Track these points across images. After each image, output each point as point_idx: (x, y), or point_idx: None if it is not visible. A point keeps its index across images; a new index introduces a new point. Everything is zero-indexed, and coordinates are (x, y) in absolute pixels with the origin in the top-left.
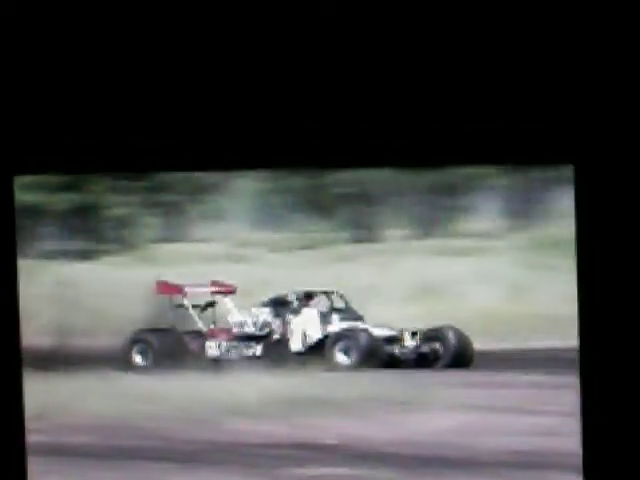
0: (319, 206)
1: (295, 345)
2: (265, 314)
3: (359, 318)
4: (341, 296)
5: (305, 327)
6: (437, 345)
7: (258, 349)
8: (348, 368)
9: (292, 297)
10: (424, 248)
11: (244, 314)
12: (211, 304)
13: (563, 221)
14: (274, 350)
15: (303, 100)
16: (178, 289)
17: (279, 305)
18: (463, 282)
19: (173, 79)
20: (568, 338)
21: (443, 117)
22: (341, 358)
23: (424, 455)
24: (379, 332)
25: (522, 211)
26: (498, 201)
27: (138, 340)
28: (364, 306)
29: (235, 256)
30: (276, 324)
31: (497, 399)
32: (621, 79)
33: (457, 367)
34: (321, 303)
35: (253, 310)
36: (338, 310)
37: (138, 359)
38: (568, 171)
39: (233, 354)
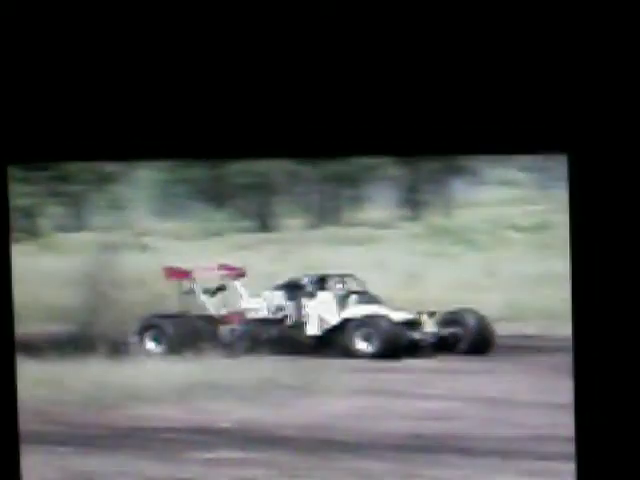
0: (220, 196)
1: (311, 329)
2: (278, 298)
3: (376, 301)
4: (357, 279)
5: (321, 311)
6: (457, 329)
7: (272, 332)
8: (370, 356)
9: (306, 280)
10: (322, 237)
11: (256, 298)
12: (221, 288)
13: (456, 210)
14: (289, 334)
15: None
16: (186, 274)
17: (293, 288)
18: (359, 269)
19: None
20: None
21: (438, 109)
22: (362, 345)
23: (319, 438)
24: (398, 316)
25: (416, 201)
26: (393, 191)
27: (150, 326)
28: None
29: (138, 245)
30: (290, 308)
31: (391, 383)
32: (614, 70)
33: (478, 351)
34: (337, 286)
35: (266, 294)
36: (354, 293)
37: (151, 345)
38: (462, 161)
39: (247, 339)
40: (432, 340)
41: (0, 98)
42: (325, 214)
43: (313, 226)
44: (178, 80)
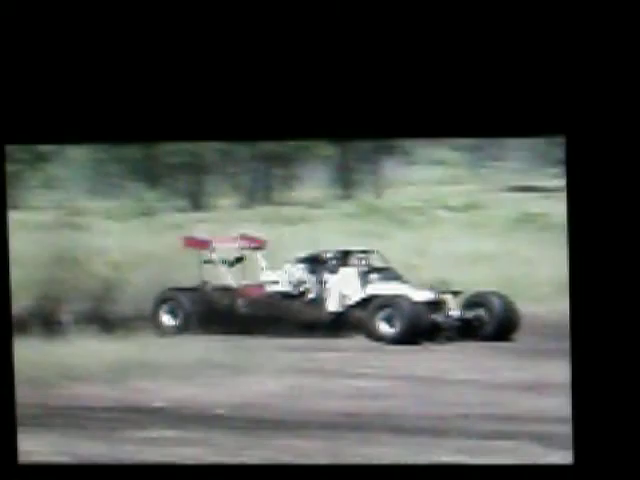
0: (153, 175)
1: (332, 305)
2: (300, 272)
3: (398, 278)
4: (380, 255)
5: (343, 287)
6: (481, 311)
7: (290, 306)
8: (392, 339)
9: (329, 255)
10: (254, 216)
11: (277, 271)
12: (240, 259)
13: (388, 190)
14: (309, 309)
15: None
16: (205, 243)
17: (315, 263)
18: (292, 248)
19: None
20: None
21: (445, 92)
22: (384, 328)
23: (253, 417)
24: (421, 296)
25: (348, 180)
26: (326, 171)
27: (166, 299)
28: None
29: (71, 224)
30: (311, 282)
31: (324, 362)
32: (610, 53)
33: (503, 335)
34: (360, 262)
35: (286, 267)
36: (377, 270)
37: (167, 319)
38: (394, 141)
39: (262, 311)
40: (456, 323)
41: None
42: (257, 193)
43: (245, 205)
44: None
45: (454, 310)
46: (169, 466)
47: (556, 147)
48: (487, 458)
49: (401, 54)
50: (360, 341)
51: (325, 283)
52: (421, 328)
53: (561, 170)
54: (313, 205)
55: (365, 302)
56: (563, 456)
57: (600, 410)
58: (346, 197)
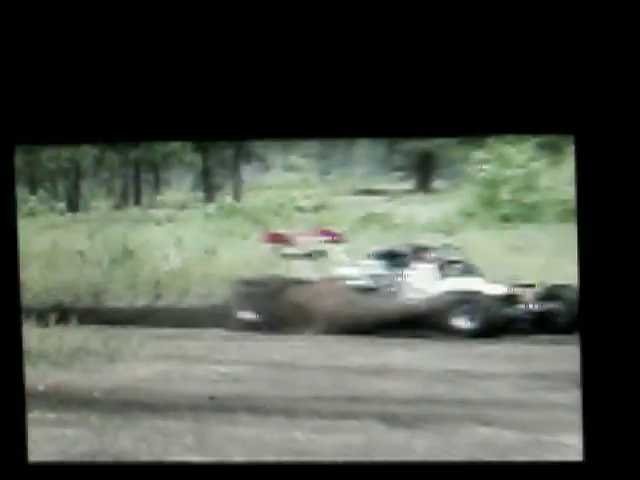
0: (33, 179)
1: (410, 297)
2: (377, 266)
3: (474, 271)
4: (456, 249)
5: (420, 281)
6: (555, 304)
7: (370, 299)
8: (469, 333)
9: (406, 250)
10: (125, 217)
11: (356, 266)
12: (321, 253)
13: (246, 192)
14: (384, 301)
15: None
16: (288, 238)
17: (392, 258)
18: (162, 247)
19: None
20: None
21: (453, 91)
22: (460, 323)
23: (125, 400)
24: (496, 290)
25: (210, 184)
26: (191, 176)
27: (245, 295)
28: None
29: None
30: (389, 277)
31: (190, 350)
32: (619, 51)
33: (573, 330)
34: (437, 256)
35: (364, 262)
36: (453, 263)
37: (246, 315)
38: (252, 148)
39: (340, 305)
40: (530, 317)
41: (9, 79)
42: (128, 196)
43: (117, 207)
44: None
45: (529, 303)
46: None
47: (398, 154)
48: (336, 436)
49: (402, 54)
50: (221, 332)
51: (403, 277)
52: (497, 323)
53: (404, 174)
54: (178, 207)
55: (441, 297)
56: (409, 435)
57: (610, 406)
58: (208, 199)
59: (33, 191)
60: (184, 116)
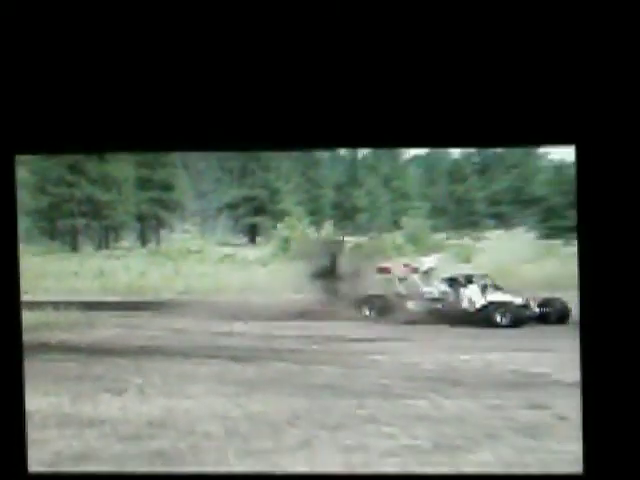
0: None
1: (464, 306)
2: (444, 286)
3: (501, 289)
4: (487, 276)
5: (471, 295)
6: (549, 309)
7: (439, 306)
8: (504, 326)
9: (461, 277)
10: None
11: (430, 287)
12: (404, 279)
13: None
14: (449, 308)
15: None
16: (388, 270)
17: (453, 281)
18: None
19: None
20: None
21: (449, 100)
22: (498, 319)
23: None
24: (517, 300)
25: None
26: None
27: (366, 301)
28: None
29: None
30: (451, 293)
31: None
32: (621, 62)
33: (561, 322)
34: (479, 281)
35: (435, 284)
36: (488, 285)
37: (367, 312)
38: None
39: (424, 309)
40: (535, 316)
41: (9, 87)
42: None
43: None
44: None
45: (534, 308)
46: None
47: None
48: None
49: (402, 63)
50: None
51: (460, 293)
52: (520, 320)
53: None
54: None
55: (486, 305)
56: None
57: (610, 412)
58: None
59: None
60: (185, 126)
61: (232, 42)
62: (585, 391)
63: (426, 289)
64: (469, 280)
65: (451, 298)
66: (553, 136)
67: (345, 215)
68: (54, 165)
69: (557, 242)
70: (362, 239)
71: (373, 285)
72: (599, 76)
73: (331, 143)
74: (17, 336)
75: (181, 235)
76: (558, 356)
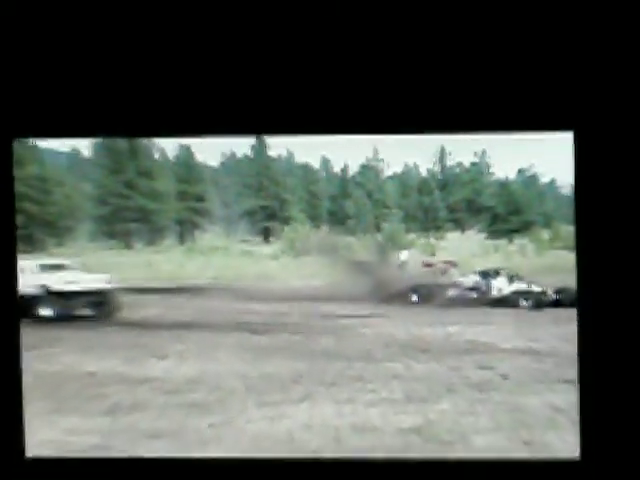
0: None
1: (494, 294)
2: (477, 278)
3: (522, 279)
4: (512, 270)
5: (499, 285)
6: (563, 295)
7: (474, 295)
8: (528, 308)
9: (491, 271)
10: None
11: (465, 278)
12: (445, 271)
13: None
14: (482, 296)
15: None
16: (432, 264)
17: (485, 274)
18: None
19: None
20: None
21: (449, 87)
22: (523, 303)
23: None
24: (538, 288)
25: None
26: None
27: (414, 289)
28: None
29: None
30: (483, 283)
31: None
32: (619, 48)
33: (570, 307)
34: (505, 273)
35: (471, 276)
36: (514, 276)
37: (415, 298)
38: None
39: (461, 296)
40: (552, 300)
41: (6, 71)
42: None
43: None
44: None
45: (551, 295)
46: None
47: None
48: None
49: (399, 49)
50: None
51: (491, 284)
52: (540, 304)
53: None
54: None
55: (512, 293)
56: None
57: (608, 408)
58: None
59: None
60: (182, 112)
61: (228, 31)
62: (582, 380)
63: (464, 279)
64: (497, 272)
65: (483, 287)
66: (551, 122)
67: (338, 221)
68: (113, 182)
69: (502, 241)
70: (351, 238)
71: (419, 276)
72: (597, 62)
73: (332, 129)
74: (14, 329)
75: (211, 235)
76: (498, 329)
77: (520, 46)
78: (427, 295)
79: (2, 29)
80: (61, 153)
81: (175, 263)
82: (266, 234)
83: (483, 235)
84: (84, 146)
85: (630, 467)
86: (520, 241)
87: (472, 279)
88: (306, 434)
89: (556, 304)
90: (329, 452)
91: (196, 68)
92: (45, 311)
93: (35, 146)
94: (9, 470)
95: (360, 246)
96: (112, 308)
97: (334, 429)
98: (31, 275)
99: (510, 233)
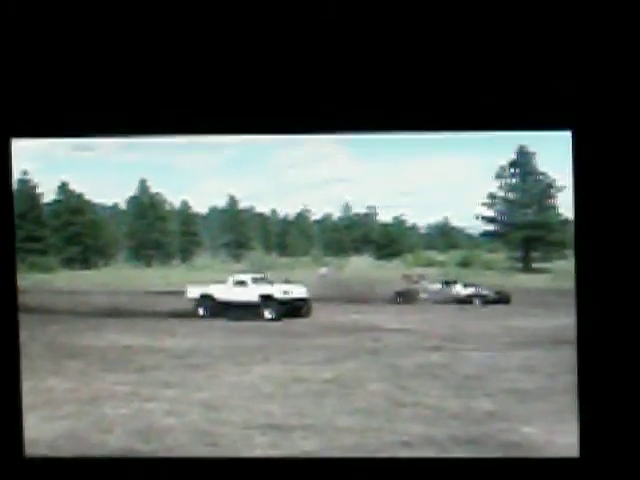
0: None
1: (455, 295)
2: (438, 285)
3: (473, 285)
4: (465, 279)
5: (458, 290)
6: (501, 296)
7: (441, 297)
8: (480, 306)
9: (451, 280)
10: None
11: (433, 285)
12: (417, 281)
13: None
14: (446, 297)
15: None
16: (409, 276)
17: (447, 282)
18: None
19: None
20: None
21: (456, 86)
22: (476, 301)
23: None
24: (484, 291)
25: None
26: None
27: (399, 294)
28: None
29: None
30: (446, 289)
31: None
32: (617, 47)
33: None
34: (454, 282)
35: (437, 284)
36: (467, 284)
37: (399, 300)
38: None
39: (431, 298)
40: (495, 299)
41: (4, 71)
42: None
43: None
44: None
45: (493, 295)
46: None
47: None
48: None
49: (399, 48)
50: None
51: (451, 289)
52: (486, 302)
53: None
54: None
55: (467, 295)
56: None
57: (607, 408)
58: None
59: None
60: (181, 110)
61: (226, 29)
62: (582, 380)
63: (431, 286)
64: (454, 281)
65: (446, 291)
66: (550, 121)
67: (282, 248)
68: (139, 225)
69: (383, 262)
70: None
71: (400, 285)
72: (596, 61)
73: (327, 128)
74: (14, 327)
75: (202, 258)
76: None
77: (519, 46)
78: (407, 298)
79: (0, 29)
80: (106, 207)
81: (180, 276)
82: (237, 257)
83: (372, 258)
84: (122, 202)
85: (628, 465)
86: (396, 262)
87: (437, 286)
88: (263, 383)
89: (497, 301)
90: (279, 397)
91: (195, 69)
92: (269, 314)
93: (89, 201)
94: (9, 470)
95: (296, 264)
96: (309, 309)
97: (281, 379)
98: (249, 286)
99: (389, 257)
